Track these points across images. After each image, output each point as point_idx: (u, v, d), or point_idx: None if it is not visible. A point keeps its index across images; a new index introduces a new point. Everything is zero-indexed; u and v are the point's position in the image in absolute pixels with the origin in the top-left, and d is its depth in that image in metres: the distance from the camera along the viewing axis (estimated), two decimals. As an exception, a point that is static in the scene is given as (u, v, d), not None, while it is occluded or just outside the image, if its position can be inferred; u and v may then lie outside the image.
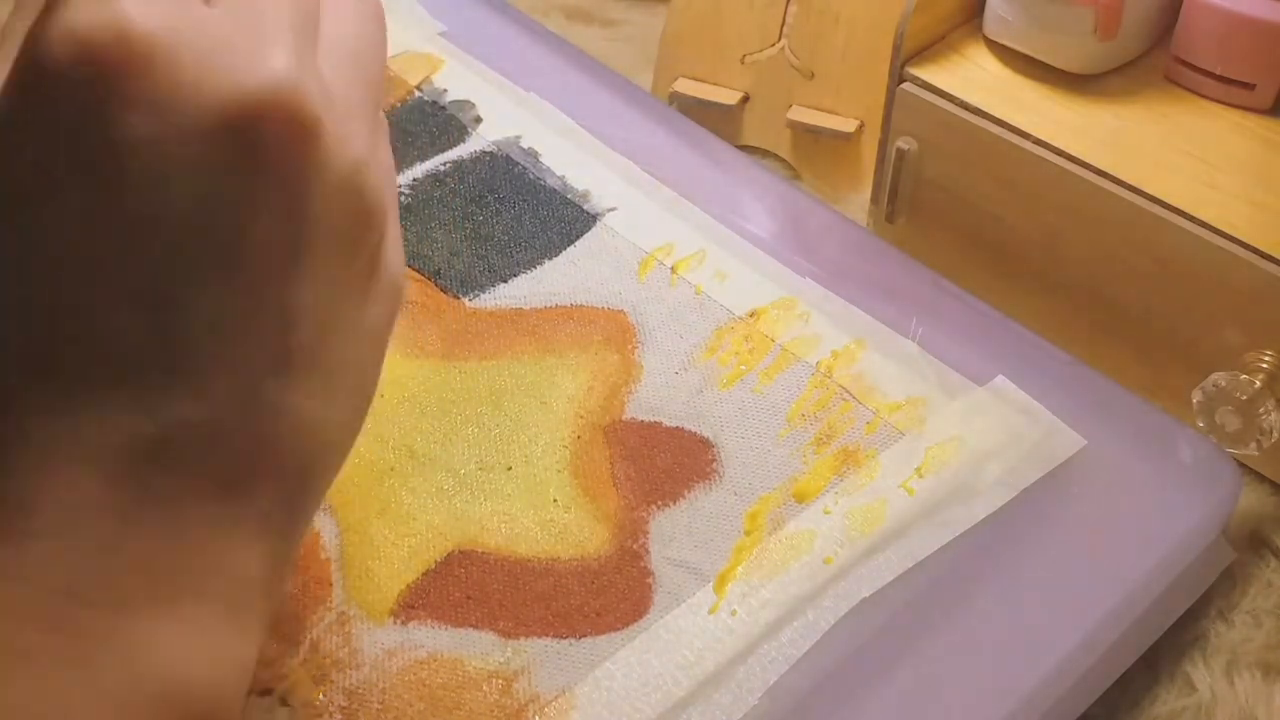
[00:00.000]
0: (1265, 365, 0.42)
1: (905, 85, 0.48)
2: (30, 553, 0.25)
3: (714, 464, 0.41)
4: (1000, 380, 0.43)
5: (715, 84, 0.58)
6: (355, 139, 0.27)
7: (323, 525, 0.39)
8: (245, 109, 0.25)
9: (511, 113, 0.53)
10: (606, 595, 0.38)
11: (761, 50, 0.57)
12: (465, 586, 0.38)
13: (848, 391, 0.43)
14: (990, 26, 0.49)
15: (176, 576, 0.26)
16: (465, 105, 0.53)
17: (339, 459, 0.30)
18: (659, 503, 0.40)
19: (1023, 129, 0.46)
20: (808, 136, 0.56)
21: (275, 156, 0.25)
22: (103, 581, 0.25)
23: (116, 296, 0.25)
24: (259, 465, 0.27)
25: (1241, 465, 0.42)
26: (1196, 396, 0.43)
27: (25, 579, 0.25)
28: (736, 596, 0.38)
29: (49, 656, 0.25)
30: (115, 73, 0.24)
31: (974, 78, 0.48)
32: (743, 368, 0.44)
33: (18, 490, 0.25)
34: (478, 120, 0.53)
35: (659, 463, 0.41)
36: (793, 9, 0.56)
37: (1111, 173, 0.44)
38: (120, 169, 0.25)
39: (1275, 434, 0.42)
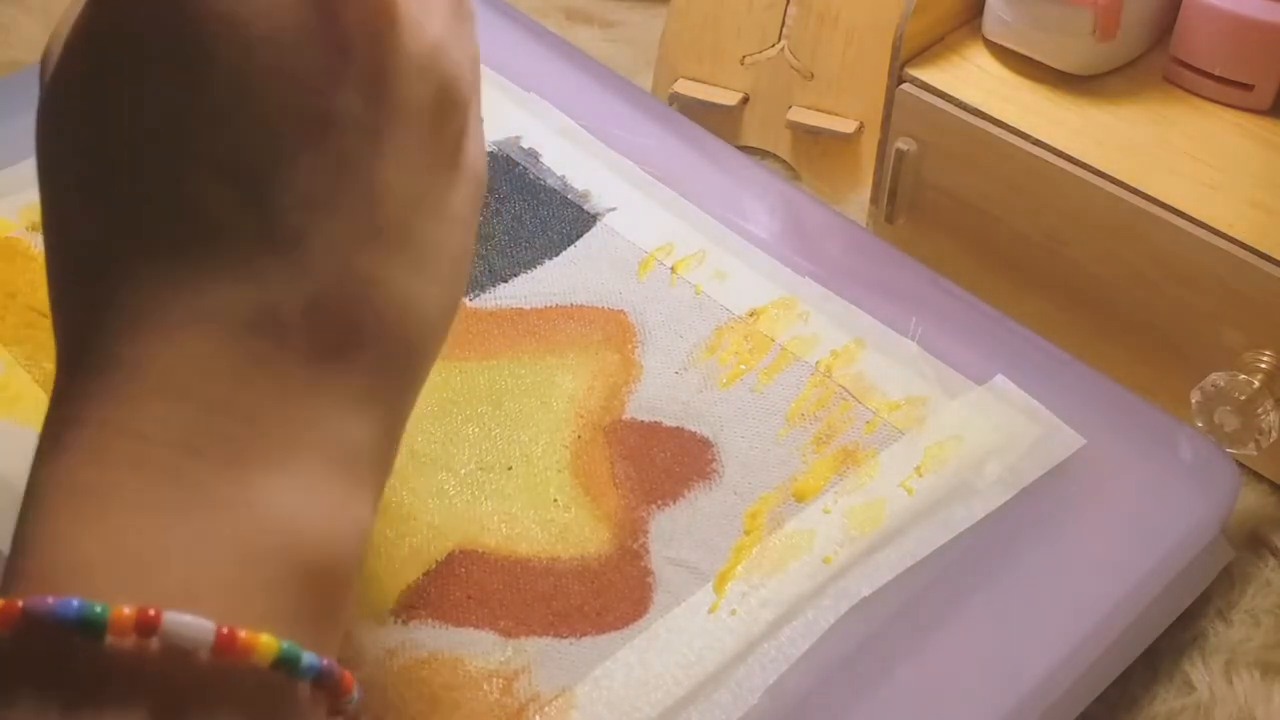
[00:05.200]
0: (1264, 365, 0.42)
1: (905, 86, 0.49)
2: (147, 410, 0.26)
3: (714, 464, 0.41)
4: (1000, 379, 0.43)
5: (715, 85, 0.58)
6: (433, 24, 0.28)
7: (323, 525, 0.39)
8: None
9: (511, 113, 0.53)
10: (606, 595, 0.38)
11: (761, 51, 0.57)
12: (466, 586, 0.38)
13: (847, 391, 0.43)
14: (989, 27, 0.49)
15: (289, 435, 0.27)
16: (465, 106, 0.53)
17: (438, 337, 0.30)
18: (659, 502, 0.40)
19: (1022, 129, 0.46)
20: (808, 137, 0.57)
21: (354, 34, 0.27)
22: (218, 437, 0.26)
23: (209, 170, 0.26)
24: (359, 334, 0.28)
25: (1240, 465, 0.43)
26: (1195, 396, 0.43)
27: (144, 436, 0.26)
28: (736, 596, 0.38)
29: (172, 508, 0.25)
30: None
31: (973, 79, 0.48)
32: (742, 367, 0.44)
33: (132, 353, 0.26)
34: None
35: (659, 462, 0.41)
36: (792, 10, 0.56)
37: (1111, 173, 0.45)
38: (204, 43, 0.26)
39: (1274, 434, 0.42)
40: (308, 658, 0.25)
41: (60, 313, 0.28)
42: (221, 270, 0.27)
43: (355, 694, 0.27)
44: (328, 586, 0.27)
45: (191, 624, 0.24)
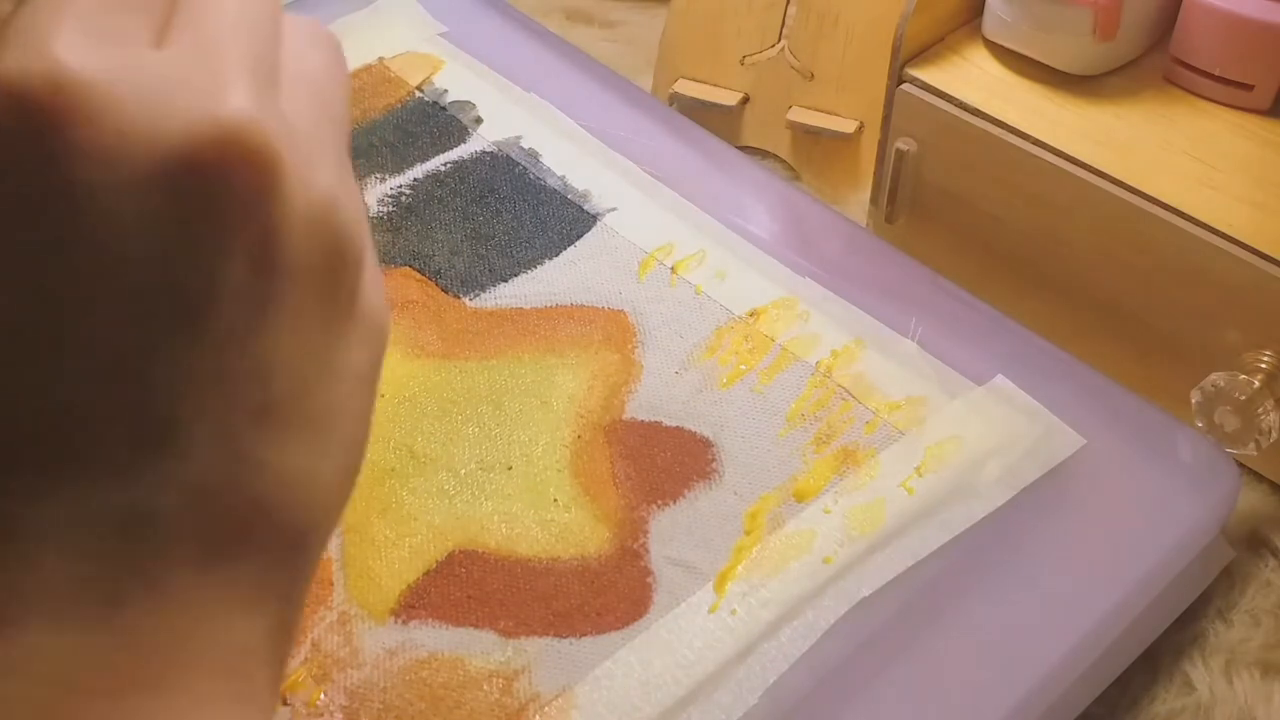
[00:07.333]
0: (1264, 365, 0.42)
1: (905, 86, 0.49)
2: (13, 644, 0.24)
3: (714, 463, 0.41)
4: (1000, 380, 0.43)
5: (715, 85, 0.58)
6: (323, 174, 0.26)
7: (323, 525, 0.39)
8: (200, 151, 0.23)
9: (512, 113, 0.53)
10: (606, 595, 0.38)
11: (761, 51, 0.57)
12: (466, 586, 0.38)
13: (847, 391, 0.43)
14: (989, 27, 0.49)
15: (172, 653, 0.25)
16: (466, 106, 0.53)
17: (335, 513, 0.28)
18: (659, 502, 0.40)
19: (1022, 129, 0.46)
20: (808, 137, 0.57)
21: (237, 198, 0.24)
22: (94, 667, 0.24)
23: (80, 366, 0.24)
24: (247, 527, 0.25)
25: (1240, 465, 0.43)
26: (1195, 396, 0.43)
27: (12, 672, 0.23)
28: (736, 596, 0.38)
29: None
30: (51, 122, 0.22)
31: (973, 79, 0.48)
32: (743, 367, 0.44)
33: None
34: (478, 121, 0.53)
35: (659, 462, 0.41)
36: (792, 10, 0.56)
37: (1111, 173, 0.45)
38: (70, 224, 0.23)
39: (1274, 434, 0.42)
40: None
41: None
42: (92, 475, 0.24)
43: None
44: None
45: None
